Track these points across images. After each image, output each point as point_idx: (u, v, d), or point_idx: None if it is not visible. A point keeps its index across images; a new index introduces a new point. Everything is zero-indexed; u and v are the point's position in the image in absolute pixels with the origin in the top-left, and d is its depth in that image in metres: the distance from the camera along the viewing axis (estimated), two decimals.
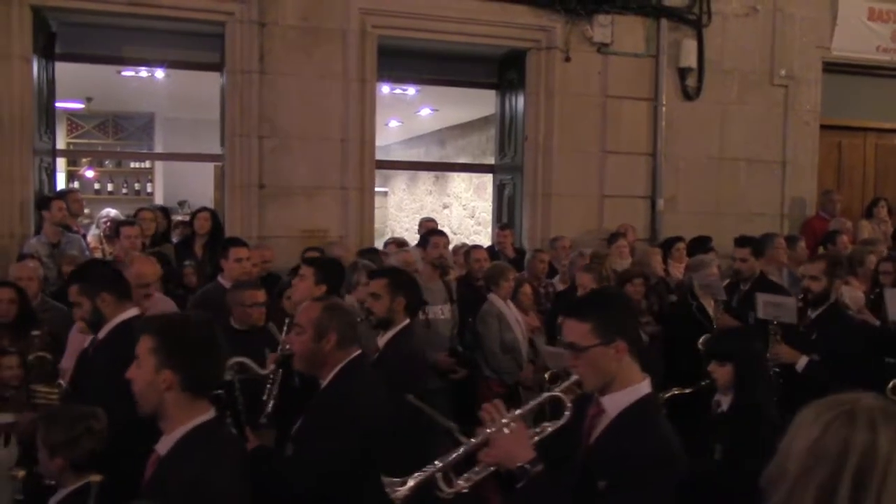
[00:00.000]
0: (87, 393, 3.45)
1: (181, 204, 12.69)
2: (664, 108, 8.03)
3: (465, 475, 2.29)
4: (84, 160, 12.45)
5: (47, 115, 7.12)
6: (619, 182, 7.99)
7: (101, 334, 3.56)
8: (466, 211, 13.38)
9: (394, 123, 13.36)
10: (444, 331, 5.40)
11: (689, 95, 8.17)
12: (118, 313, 3.56)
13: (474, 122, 12.80)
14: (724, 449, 3.39)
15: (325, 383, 2.97)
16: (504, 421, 2.28)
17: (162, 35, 7.34)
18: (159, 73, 8.80)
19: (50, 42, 7.05)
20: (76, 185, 11.81)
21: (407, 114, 12.28)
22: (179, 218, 9.28)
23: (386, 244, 7.10)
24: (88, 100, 11.28)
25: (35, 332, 4.45)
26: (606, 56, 7.86)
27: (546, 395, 2.47)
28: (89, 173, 12.50)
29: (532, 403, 2.44)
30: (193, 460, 2.19)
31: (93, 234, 7.72)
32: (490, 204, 10.11)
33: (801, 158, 8.57)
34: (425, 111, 12.16)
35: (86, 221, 8.69)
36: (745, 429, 3.36)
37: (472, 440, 2.31)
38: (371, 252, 6.27)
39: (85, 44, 7.33)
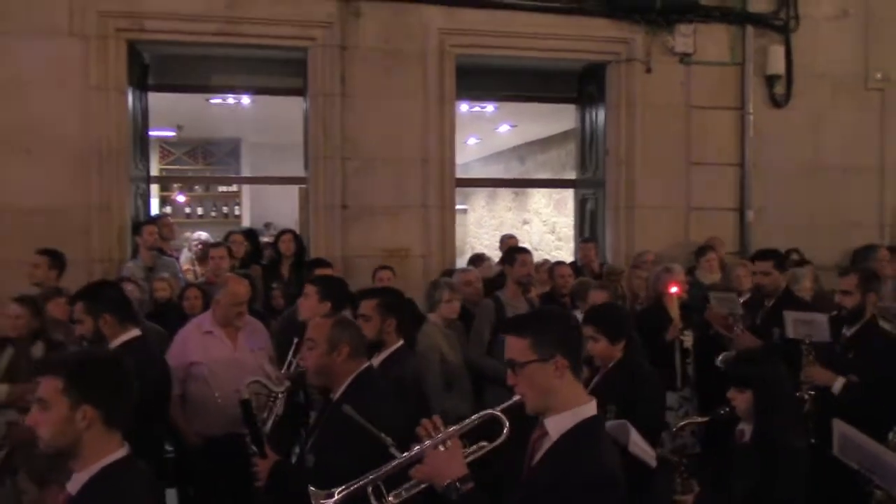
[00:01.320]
0: None
1: (267, 226, 13.04)
2: (752, 117, 7.77)
3: (396, 491, 2.28)
4: (175, 185, 12.95)
5: (142, 144, 7.43)
6: (705, 194, 7.77)
7: None
8: (547, 226, 13.27)
9: (472, 140, 13.41)
10: None
11: (777, 103, 7.90)
12: (119, 335, 3.67)
13: (554, 137, 12.72)
14: (744, 485, 3.15)
15: (337, 395, 3.04)
16: (440, 437, 2.25)
17: (247, 63, 7.58)
18: (245, 100, 9.11)
19: (143, 73, 7.37)
20: (168, 209, 12.30)
21: (486, 131, 12.31)
22: (267, 240, 9.52)
23: (472, 262, 7.11)
24: (179, 127, 11.75)
25: None
26: (689, 66, 7.69)
27: (485, 412, 2.38)
28: (180, 198, 12.99)
29: (468, 421, 2.35)
30: (104, 500, 2.16)
31: (185, 257, 8.00)
32: (571, 219, 9.99)
33: None
34: (504, 127, 12.16)
35: (178, 244, 9.00)
36: (767, 461, 3.12)
37: (406, 455, 2.28)
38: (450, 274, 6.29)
39: (175, 74, 7.65)
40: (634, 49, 7.57)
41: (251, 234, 8.10)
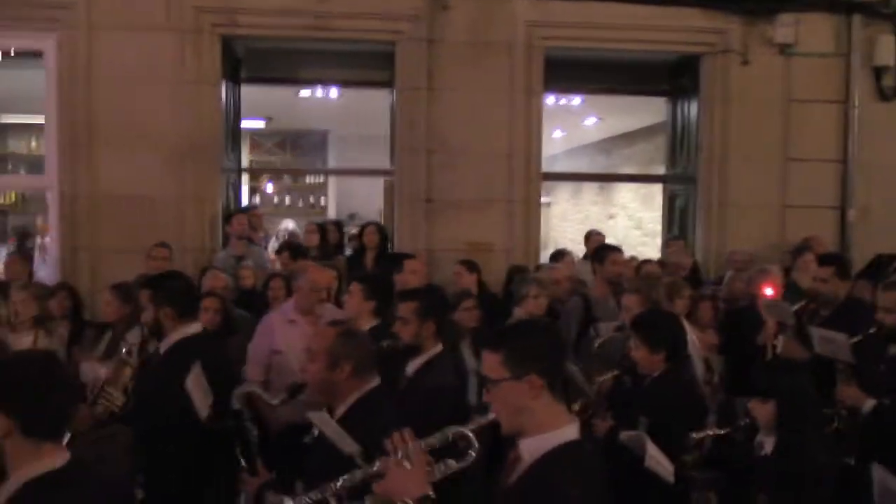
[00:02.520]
0: (146, 404, 3.59)
1: (351, 216, 13.20)
2: (857, 111, 7.37)
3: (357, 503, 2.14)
4: (264, 176, 13.25)
5: (233, 136, 7.62)
6: (803, 191, 7.42)
7: (163, 348, 3.69)
8: (633, 222, 12.98)
9: (557, 133, 13.22)
10: (616, 351, 5.20)
11: (885, 96, 7.45)
12: (178, 328, 3.66)
13: (641, 130, 12.41)
14: (766, 499, 2.99)
15: (337, 416, 2.75)
16: (404, 453, 2.10)
17: (336, 56, 7.67)
18: (333, 92, 9.21)
19: (236, 67, 7.55)
20: (257, 199, 12.60)
21: (571, 123, 12.12)
22: (352, 231, 9.64)
23: (554, 257, 7.00)
24: (269, 119, 12.01)
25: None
26: (790, 57, 7.34)
27: (454, 430, 2.21)
28: (269, 188, 13.29)
29: (434, 438, 2.20)
30: None
31: (272, 246, 8.17)
32: (657, 214, 9.74)
33: None
34: (590, 120, 11.95)
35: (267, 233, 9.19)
36: (788, 474, 2.95)
37: (368, 468, 2.16)
38: (521, 269, 6.21)
39: (267, 67, 7.81)
40: (730, 40, 7.28)
41: (337, 225, 8.21)
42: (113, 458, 2.95)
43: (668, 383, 3.73)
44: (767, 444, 3.16)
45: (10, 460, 2.05)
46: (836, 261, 5.00)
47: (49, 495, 2.00)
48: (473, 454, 2.16)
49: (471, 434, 2.19)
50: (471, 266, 5.95)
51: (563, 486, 1.97)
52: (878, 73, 7.43)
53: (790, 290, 5.66)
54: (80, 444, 3.07)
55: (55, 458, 2.06)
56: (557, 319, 5.22)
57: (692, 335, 5.24)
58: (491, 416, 2.16)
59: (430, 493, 2.04)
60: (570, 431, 2.09)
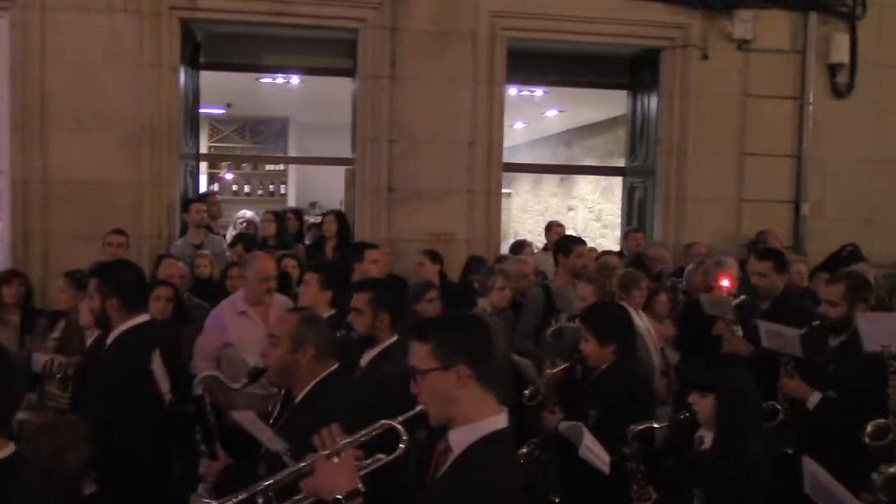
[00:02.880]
0: (99, 394, 3.48)
1: (312, 205, 13.12)
2: (811, 107, 7.52)
3: (286, 503, 2.14)
4: (223, 163, 13.07)
5: (192, 121, 7.50)
6: (759, 186, 7.56)
7: (109, 339, 3.57)
8: (592, 214, 13.11)
9: (519, 125, 13.28)
10: (570, 341, 5.26)
11: (839, 93, 7.62)
12: (125, 320, 3.52)
13: (602, 122, 12.52)
14: (702, 492, 3.01)
15: (299, 398, 2.82)
16: (332, 449, 2.11)
17: (297, 43, 7.57)
18: (294, 80, 9.12)
19: (195, 51, 7.42)
20: (216, 187, 12.44)
21: (533, 115, 12.18)
22: (312, 220, 9.55)
23: (515, 248, 7.03)
24: (228, 105, 11.85)
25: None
26: (748, 53, 7.45)
27: (382, 423, 2.22)
28: (228, 176, 13.12)
29: (363, 432, 2.20)
30: None
31: (230, 235, 8.06)
32: (617, 206, 9.85)
33: None
34: (552, 112, 12.02)
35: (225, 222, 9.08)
36: (724, 470, 2.98)
37: (296, 465, 2.16)
38: (480, 260, 6.22)
39: (227, 52, 7.69)
40: (691, 35, 7.37)
41: (296, 214, 8.14)
42: (74, 448, 2.88)
43: (616, 375, 3.79)
44: (707, 438, 3.17)
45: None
46: (773, 255, 5.05)
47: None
48: (403, 447, 2.16)
49: (399, 427, 2.19)
50: (433, 256, 5.97)
51: (488, 476, 1.98)
52: (833, 70, 7.58)
53: (746, 283, 5.77)
54: (38, 435, 3.02)
55: (3, 449, 2.05)
56: (518, 310, 5.26)
57: (649, 326, 5.34)
58: (420, 407, 2.17)
59: (360, 486, 2.04)
60: (497, 421, 2.11)
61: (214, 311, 4.72)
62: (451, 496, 2.00)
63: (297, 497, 2.12)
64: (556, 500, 3.83)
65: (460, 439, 2.09)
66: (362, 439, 2.18)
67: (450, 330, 2.19)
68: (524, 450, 3.84)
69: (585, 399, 3.76)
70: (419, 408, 2.17)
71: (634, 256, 6.82)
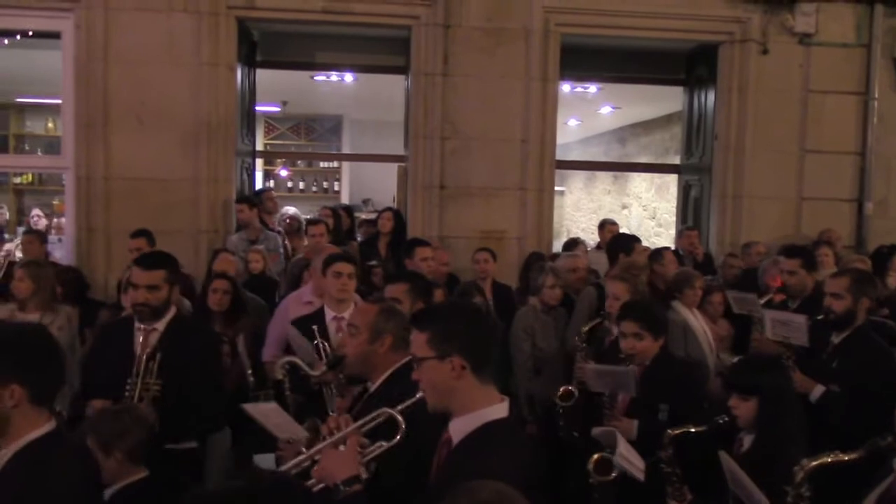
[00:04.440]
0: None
1: (365, 202, 13.22)
2: (876, 102, 7.28)
3: None
4: (279, 160, 13.28)
5: (248, 119, 7.63)
6: (820, 183, 7.35)
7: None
8: (647, 212, 12.92)
9: (573, 122, 13.17)
10: None
11: None
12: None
13: (657, 119, 12.33)
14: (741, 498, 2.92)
15: (374, 387, 2.86)
16: (336, 437, 2.18)
17: (351, 41, 7.64)
18: (348, 77, 9.20)
19: (252, 50, 7.55)
20: (271, 183, 12.62)
21: (587, 112, 12.06)
22: (364, 216, 9.63)
23: (567, 246, 6.97)
24: (284, 103, 12.02)
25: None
26: (809, 47, 7.26)
27: (381, 411, 2.27)
28: (283, 172, 13.31)
29: (364, 420, 2.26)
30: (30, 474, 2.09)
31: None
32: (672, 205, 9.68)
33: None
34: (606, 109, 11.88)
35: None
36: (768, 472, 2.85)
37: (304, 454, 2.23)
38: (540, 257, 6.20)
39: (282, 51, 7.80)
40: (750, 29, 7.20)
41: (347, 211, 8.20)
42: (133, 431, 2.98)
43: (669, 365, 3.80)
44: (747, 440, 3.10)
45: (12, 428, 2.11)
46: (802, 253, 4.97)
47: (45, 456, 2.10)
48: (400, 435, 2.23)
49: (397, 415, 2.26)
50: (493, 253, 6.00)
51: (482, 465, 1.97)
52: None
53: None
54: (100, 417, 3.09)
55: (48, 423, 2.16)
56: (571, 309, 5.22)
57: (704, 326, 5.24)
58: (419, 394, 2.22)
59: (361, 473, 2.11)
60: (495, 411, 2.12)
61: (283, 301, 4.88)
62: (447, 484, 1.97)
63: (309, 482, 2.18)
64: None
65: (459, 429, 2.12)
66: (366, 427, 2.27)
67: (446, 320, 2.20)
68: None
69: (649, 395, 3.70)
70: (419, 395, 2.23)
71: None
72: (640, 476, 3.09)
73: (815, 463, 2.42)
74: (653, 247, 7.44)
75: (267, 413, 2.81)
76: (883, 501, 2.23)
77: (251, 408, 2.83)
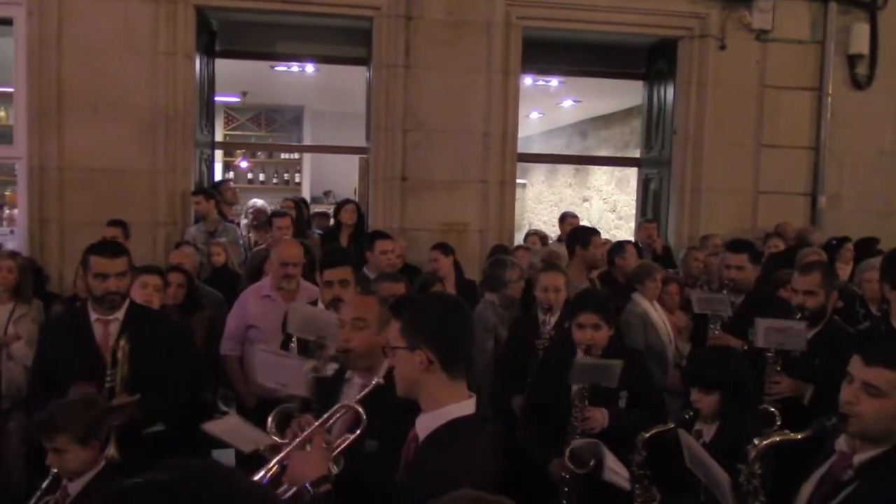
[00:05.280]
0: None
1: (326, 194, 13.15)
2: (830, 99, 7.45)
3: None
4: (238, 151, 13.11)
5: (207, 109, 7.52)
6: (776, 177, 7.50)
7: None
8: (607, 205, 13.06)
9: (534, 115, 13.23)
10: None
11: (858, 84, 7.54)
12: None
13: (617, 113, 12.45)
14: (706, 487, 2.94)
15: (376, 379, 2.77)
16: (301, 438, 2.16)
17: (312, 31, 7.57)
18: (309, 68, 9.12)
19: (211, 40, 7.43)
20: (231, 175, 12.47)
21: (548, 105, 12.12)
22: (323, 209, 9.58)
23: (526, 237, 7.02)
24: (244, 94, 11.87)
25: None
26: (766, 43, 7.38)
27: (341, 405, 2.27)
28: (243, 164, 13.16)
29: (326, 416, 2.25)
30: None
31: (242, 224, 8.10)
32: (632, 198, 9.80)
33: None
34: (567, 102, 11.96)
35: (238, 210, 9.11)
36: (730, 461, 2.93)
37: (275, 459, 2.17)
38: (502, 249, 6.20)
39: (242, 41, 7.69)
40: (708, 25, 7.30)
41: (303, 203, 8.15)
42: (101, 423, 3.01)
43: (621, 351, 3.81)
44: (707, 431, 3.14)
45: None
46: (748, 248, 4.96)
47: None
48: (363, 424, 2.23)
49: (357, 406, 2.26)
50: (445, 249, 5.88)
51: (449, 464, 1.97)
52: (853, 61, 7.51)
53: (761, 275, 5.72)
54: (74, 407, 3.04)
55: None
56: (527, 302, 5.23)
57: (664, 317, 5.32)
58: (375, 380, 2.25)
59: (330, 470, 2.10)
60: (462, 408, 2.10)
61: (242, 294, 4.81)
62: (417, 483, 1.98)
63: (281, 489, 2.12)
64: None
65: (425, 426, 2.10)
66: (329, 423, 2.25)
67: (419, 312, 2.18)
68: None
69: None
70: (374, 381, 2.27)
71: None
72: (627, 486, 3.09)
73: (766, 442, 2.46)
74: (613, 239, 7.57)
75: (228, 428, 2.78)
76: (825, 481, 2.28)
77: (211, 426, 2.82)
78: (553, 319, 4.45)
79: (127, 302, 3.63)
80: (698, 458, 2.64)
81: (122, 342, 3.42)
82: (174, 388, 3.58)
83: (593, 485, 3.38)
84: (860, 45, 7.43)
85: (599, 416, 3.56)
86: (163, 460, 1.10)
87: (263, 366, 3.07)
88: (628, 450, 3.18)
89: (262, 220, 7.30)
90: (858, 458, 2.21)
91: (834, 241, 6.72)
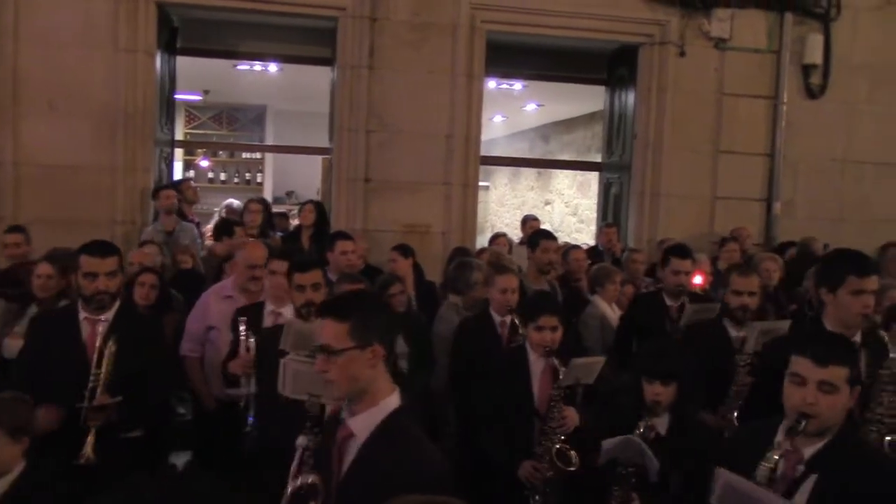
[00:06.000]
0: None
1: (289, 194, 13.07)
2: (785, 107, 7.62)
3: None
4: (200, 150, 12.96)
5: (167, 107, 7.42)
6: (732, 183, 7.65)
7: None
8: (569, 208, 13.18)
9: (498, 118, 13.31)
10: None
11: (812, 93, 7.73)
12: None
13: (580, 117, 12.58)
14: (680, 473, 3.06)
15: None
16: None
17: (276, 30, 7.53)
18: (272, 67, 9.06)
19: (172, 37, 7.35)
20: (192, 174, 12.33)
21: (512, 108, 12.20)
22: (284, 210, 9.51)
23: (494, 240, 7.06)
24: (206, 92, 11.74)
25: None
26: (724, 51, 7.53)
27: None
28: (204, 163, 13.01)
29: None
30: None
31: (214, 223, 7.99)
32: (593, 201, 9.91)
33: None
34: (530, 106, 12.05)
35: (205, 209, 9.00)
36: (694, 447, 3.06)
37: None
38: (462, 252, 6.21)
39: (204, 39, 7.61)
40: (669, 32, 7.42)
41: (264, 204, 8.08)
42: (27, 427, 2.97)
43: (576, 352, 3.90)
44: (659, 424, 3.20)
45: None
46: (692, 255, 5.07)
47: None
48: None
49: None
50: (404, 251, 5.85)
51: (413, 447, 2.09)
52: (807, 70, 7.70)
53: (715, 279, 5.84)
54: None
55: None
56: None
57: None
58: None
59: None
60: (394, 400, 2.19)
61: (203, 294, 4.75)
62: (386, 477, 1.99)
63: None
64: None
65: (364, 425, 2.15)
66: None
67: (368, 310, 2.25)
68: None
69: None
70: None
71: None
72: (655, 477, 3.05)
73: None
74: (574, 242, 7.66)
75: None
76: (775, 481, 2.29)
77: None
78: (509, 321, 4.47)
79: (118, 302, 3.60)
80: (746, 494, 2.20)
81: (109, 343, 3.39)
82: (153, 390, 3.55)
83: (570, 485, 3.43)
84: (814, 55, 7.62)
85: (573, 416, 3.60)
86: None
87: (295, 376, 2.99)
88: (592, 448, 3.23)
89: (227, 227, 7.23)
90: (808, 453, 2.31)
91: (783, 246, 6.89)
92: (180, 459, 4.94)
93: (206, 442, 4.69)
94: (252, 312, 4.05)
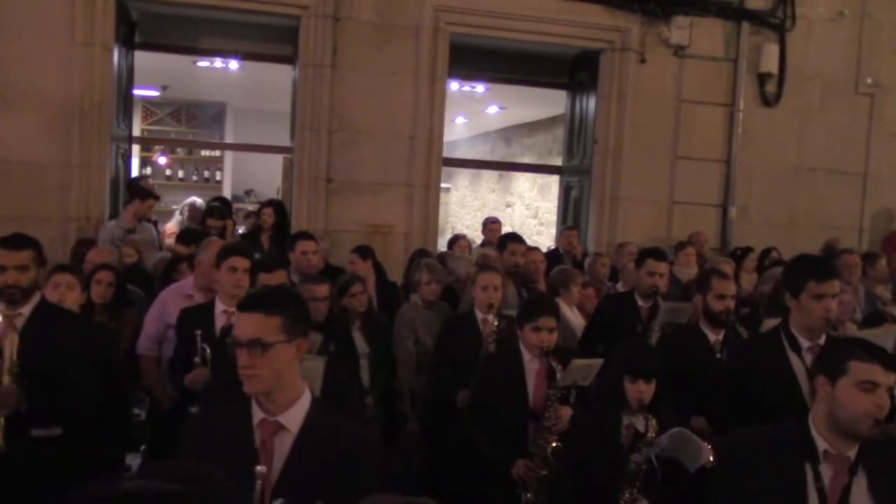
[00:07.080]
0: None
1: (248, 193, 12.91)
2: (741, 114, 7.79)
3: None
4: (157, 147, 12.74)
5: (125, 103, 7.29)
6: (690, 189, 7.79)
7: None
8: (529, 211, 13.27)
9: (460, 120, 13.34)
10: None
11: (767, 102, 7.92)
12: None
13: (541, 121, 12.68)
14: (663, 465, 3.11)
15: None
16: None
17: (237, 27, 7.45)
18: (233, 64, 8.94)
19: (130, 31, 7.22)
20: (149, 170, 12.11)
21: (474, 110, 12.24)
22: (251, 208, 9.41)
23: (452, 243, 7.07)
24: (164, 88, 11.54)
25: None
26: (683, 59, 7.67)
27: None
28: (162, 160, 12.79)
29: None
30: None
31: (175, 221, 7.88)
32: (554, 204, 9.99)
33: (884, 171, 8.23)
34: (493, 109, 12.10)
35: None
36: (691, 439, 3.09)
37: None
38: (422, 253, 6.22)
39: (163, 34, 7.50)
40: (629, 38, 7.53)
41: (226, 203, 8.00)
42: None
43: (567, 354, 3.90)
44: (639, 423, 3.23)
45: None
46: (667, 257, 5.20)
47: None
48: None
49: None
50: (363, 253, 5.83)
51: (353, 437, 2.22)
52: (762, 79, 7.87)
53: (672, 284, 5.93)
54: None
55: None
56: (453, 304, 5.29)
57: (582, 323, 5.45)
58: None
59: None
60: (307, 391, 2.27)
61: (161, 293, 4.67)
62: (340, 455, 2.11)
63: None
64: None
65: (295, 417, 2.19)
66: None
67: (295, 305, 2.30)
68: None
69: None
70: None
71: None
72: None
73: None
74: (534, 245, 7.70)
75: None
76: (824, 493, 2.37)
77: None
78: (492, 318, 4.50)
79: (37, 298, 3.47)
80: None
81: (11, 335, 3.26)
82: (73, 394, 3.38)
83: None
84: (770, 64, 7.80)
85: (568, 414, 3.63)
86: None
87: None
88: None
89: (198, 220, 7.13)
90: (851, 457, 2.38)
91: (738, 251, 7.03)
92: (135, 461, 4.86)
93: (159, 441, 4.62)
94: (201, 314, 3.98)
